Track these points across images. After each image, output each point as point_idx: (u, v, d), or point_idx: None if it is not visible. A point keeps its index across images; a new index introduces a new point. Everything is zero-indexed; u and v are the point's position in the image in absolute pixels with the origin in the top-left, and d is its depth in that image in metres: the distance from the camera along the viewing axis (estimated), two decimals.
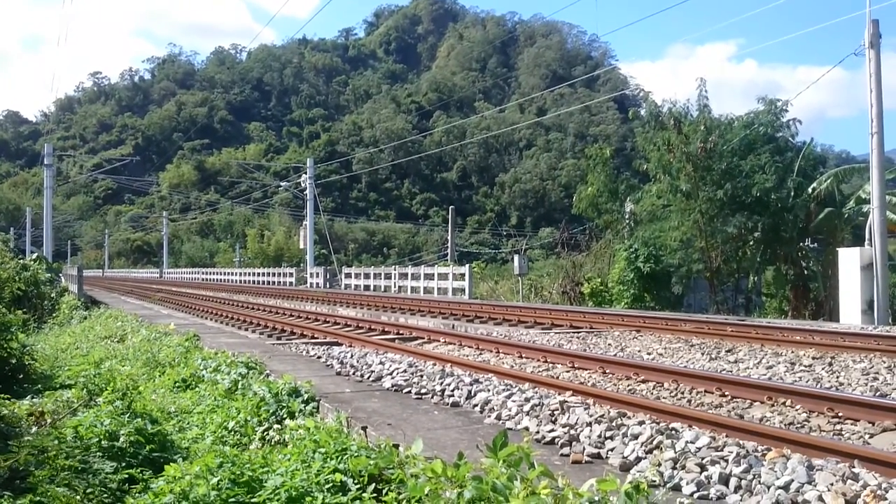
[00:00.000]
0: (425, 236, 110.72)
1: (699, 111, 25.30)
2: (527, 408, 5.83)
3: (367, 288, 37.46)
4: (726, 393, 7.19)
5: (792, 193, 24.19)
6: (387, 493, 3.73)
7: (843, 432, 5.91)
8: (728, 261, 25.29)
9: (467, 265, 31.11)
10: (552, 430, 5.21)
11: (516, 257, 30.03)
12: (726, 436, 4.87)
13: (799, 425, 6.17)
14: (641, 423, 5.13)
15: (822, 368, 8.83)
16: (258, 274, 54.81)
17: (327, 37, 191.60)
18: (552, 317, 16.48)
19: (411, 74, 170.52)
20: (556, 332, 14.05)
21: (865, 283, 17.37)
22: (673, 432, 4.83)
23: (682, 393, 7.52)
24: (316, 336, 13.64)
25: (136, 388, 7.65)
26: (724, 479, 4.03)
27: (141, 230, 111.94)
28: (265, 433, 5.91)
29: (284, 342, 12.81)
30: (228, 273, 63.49)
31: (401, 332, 14.33)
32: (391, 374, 7.87)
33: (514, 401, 6.09)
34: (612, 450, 4.73)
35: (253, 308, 22.55)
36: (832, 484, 3.84)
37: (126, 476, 4.93)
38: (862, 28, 17.98)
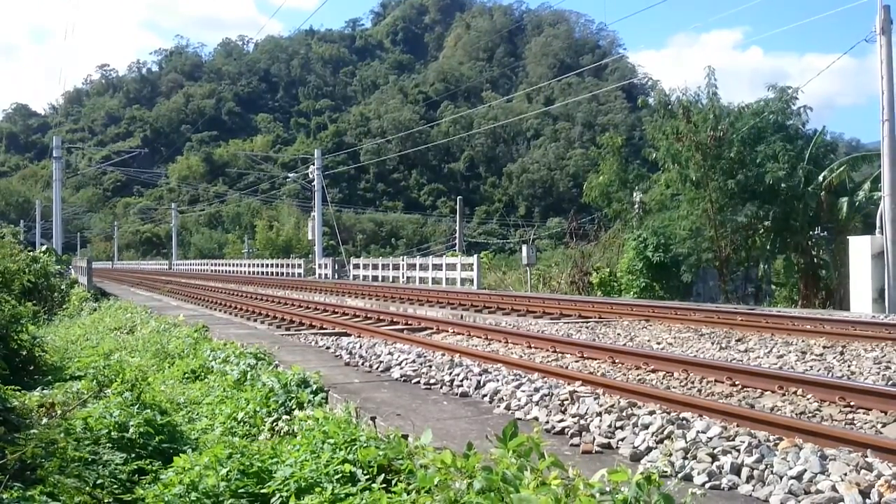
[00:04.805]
0: (433, 227, 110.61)
1: (709, 99, 25.11)
2: (536, 398, 5.81)
3: (375, 279, 37.51)
4: (737, 382, 7.15)
5: (802, 182, 24.02)
6: (396, 484, 3.72)
7: (856, 422, 5.86)
8: (738, 250, 25.15)
9: (475, 255, 31.11)
10: (562, 420, 5.19)
11: (524, 247, 29.97)
12: (737, 425, 4.83)
13: (810, 415, 6.13)
14: (652, 412, 5.10)
15: (834, 357, 8.78)
16: (267, 265, 54.90)
17: (334, 27, 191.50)
18: (561, 307, 16.44)
19: (418, 65, 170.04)
20: (564, 322, 14.01)
21: (876, 272, 17.26)
22: (684, 422, 4.80)
23: (693, 382, 7.48)
24: (325, 326, 13.64)
25: (146, 379, 7.66)
26: (736, 469, 4.01)
27: (150, 222, 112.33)
28: (274, 424, 5.92)
29: (293, 333, 12.83)
30: (237, 264, 63.65)
31: (409, 322, 14.30)
32: (400, 364, 7.86)
33: (523, 391, 6.07)
34: (622, 440, 4.71)
35: (262, 299, 22.59)
36: (846, 474, 3.80)
37: (136, 467, 4.95)
38: (871, 15, 17.84)
